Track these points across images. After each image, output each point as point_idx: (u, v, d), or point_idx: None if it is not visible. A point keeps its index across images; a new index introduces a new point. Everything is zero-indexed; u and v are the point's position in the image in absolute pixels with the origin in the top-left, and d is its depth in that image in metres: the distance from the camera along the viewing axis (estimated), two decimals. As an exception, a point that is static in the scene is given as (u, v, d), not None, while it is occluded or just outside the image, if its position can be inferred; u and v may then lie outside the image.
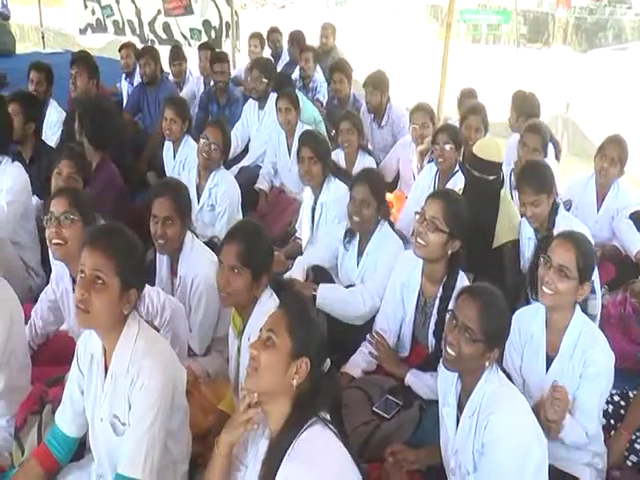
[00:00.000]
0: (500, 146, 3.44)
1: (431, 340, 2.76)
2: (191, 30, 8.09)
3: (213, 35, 7.96)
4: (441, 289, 2.69)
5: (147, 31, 8.37)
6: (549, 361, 2.36)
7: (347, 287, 3.14)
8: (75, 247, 2.42)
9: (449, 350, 2.03)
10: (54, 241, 2.52)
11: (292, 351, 1.73)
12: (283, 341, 1.74)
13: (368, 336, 2.90)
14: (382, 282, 2.96)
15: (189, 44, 8.06)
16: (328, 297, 2.99)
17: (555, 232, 3.11)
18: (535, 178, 3.09)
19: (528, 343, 2.41)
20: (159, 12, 8.30)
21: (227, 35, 7.96)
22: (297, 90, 5.32)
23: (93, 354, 2.04)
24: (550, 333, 2.36)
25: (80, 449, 2.20)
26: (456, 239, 2.63)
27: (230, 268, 2.28)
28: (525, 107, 4.56)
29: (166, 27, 8.28)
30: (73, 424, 2.10)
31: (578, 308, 2.35)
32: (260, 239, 2.38)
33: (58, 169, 3.24)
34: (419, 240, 2.63)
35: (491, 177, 3.30)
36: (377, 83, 5.01)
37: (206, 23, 8.00)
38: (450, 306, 2.24)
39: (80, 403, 2.08)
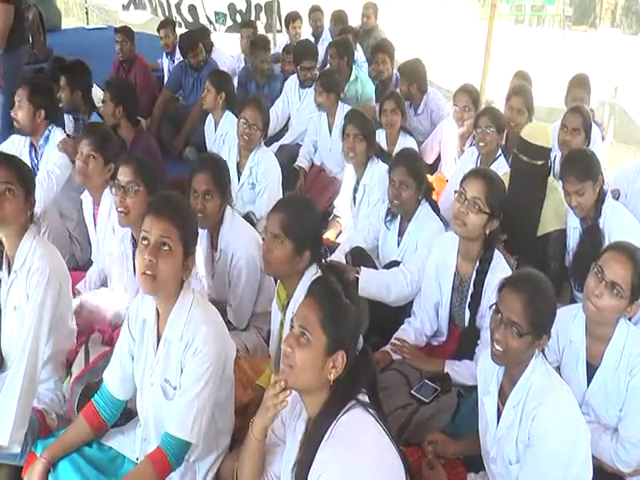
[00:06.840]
0: (549, 131, 3.35)
1: (467, 316, 2.70)
2: (216, 14, 7.83)
3: (238, 19, 7.66)
4: (477, 263, 2.64)
5: (174, 12, 8.12)
6: (590, 370, 2.27)
7: (387, 266, 3.12)
8: (138, 215, 2.51)
9: (497, 347, 1.96)
10: (119, 209, 2.64)
11: (327, 347, 1.66)
12: (317, 338, 1.66)
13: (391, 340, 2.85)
14: (423, 262, 2.93)
15: (214, 28, 7.82)
16: (371, 280, 2.96)
17: (601, 222, 3.04)
18: (579, 165, 2.99)
19: (567, 348, 2.33)
20: None
21: (257, 18, 7.64)
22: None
23: (145, 319, 2.07)
24: (591, 341, 2.26)
25: (123, 415, 2.23)
26: (495, 219, 2.58)
27: (273, 236, 2.30)
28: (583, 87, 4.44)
29: (192, 9, 8.05)
30: (121, 387, 2.13)
31: (622, 318, 2.22)
32: (305, 213, 2.37)
33: (80, 148, 3.23)
34: (459, 219, 2.55)
35: (539, 162, 3.22)
36: (407, 74, 4.96)
37: (231, 7, 7.73)
38: (492, 298, 2.16)
39: (129, 367, 2.11)
